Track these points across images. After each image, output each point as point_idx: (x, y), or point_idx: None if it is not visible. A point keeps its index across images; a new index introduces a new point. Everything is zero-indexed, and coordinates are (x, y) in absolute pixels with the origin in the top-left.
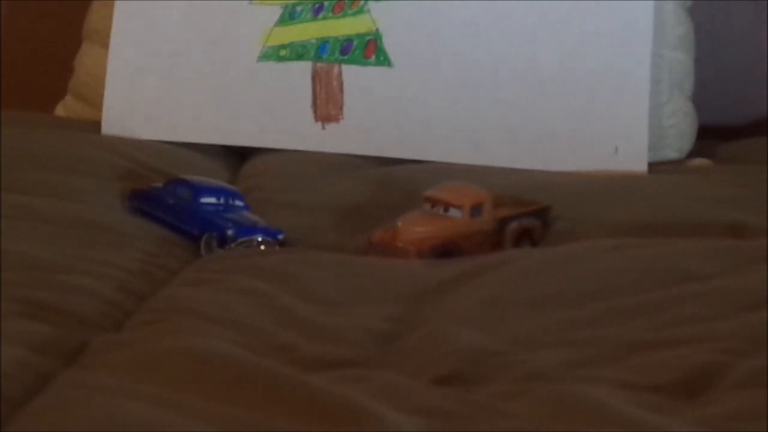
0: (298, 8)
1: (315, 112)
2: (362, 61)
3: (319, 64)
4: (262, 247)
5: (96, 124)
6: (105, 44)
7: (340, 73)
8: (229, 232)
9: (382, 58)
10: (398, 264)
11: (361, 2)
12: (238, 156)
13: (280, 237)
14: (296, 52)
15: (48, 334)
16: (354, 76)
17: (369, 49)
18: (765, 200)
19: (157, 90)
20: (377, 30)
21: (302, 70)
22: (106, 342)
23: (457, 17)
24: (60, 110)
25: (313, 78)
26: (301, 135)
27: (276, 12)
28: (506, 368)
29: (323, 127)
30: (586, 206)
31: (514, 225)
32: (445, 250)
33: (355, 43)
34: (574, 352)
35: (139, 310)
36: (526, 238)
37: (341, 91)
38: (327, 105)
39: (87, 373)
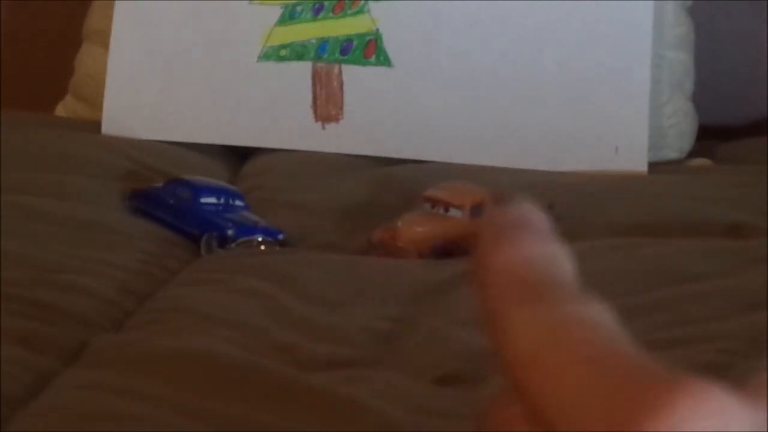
0: (298, 8)
1: (315, 112)
2: (362, 61)
3: (319, 64)
4: (262, 247)
5: (96, 124)
6: (105, 44)
7: (340, 73)
8: (229, 232)
9: (382, 58)
10: (398, 264)
11: (361, 2)
12: (238, 156)
13: (280, 237)
14: (296, 52)
15: (48, 334)
16: (354, 76)
17: (369, 49)
18: (765, 200)
19: (157, 90)
20: (377, 30)
21: (302, 70)
22: (106, 342)
23: (456, 17)
24: (60, 110)
25: (313, 78)
26: (301, 135)
27: (276, 12)
28: None
29: (323, 127)
30: (586, 206)
31: None
32: (445, 250)
33: (355, 43)
34: None
35: (139, 310)
36: None
37: (341, 91)
38: (327, 105)
39: (87, 373)
